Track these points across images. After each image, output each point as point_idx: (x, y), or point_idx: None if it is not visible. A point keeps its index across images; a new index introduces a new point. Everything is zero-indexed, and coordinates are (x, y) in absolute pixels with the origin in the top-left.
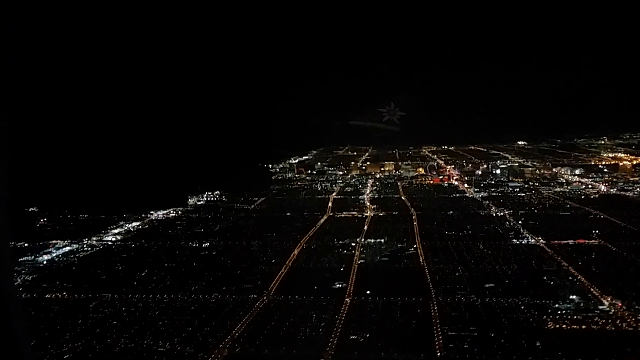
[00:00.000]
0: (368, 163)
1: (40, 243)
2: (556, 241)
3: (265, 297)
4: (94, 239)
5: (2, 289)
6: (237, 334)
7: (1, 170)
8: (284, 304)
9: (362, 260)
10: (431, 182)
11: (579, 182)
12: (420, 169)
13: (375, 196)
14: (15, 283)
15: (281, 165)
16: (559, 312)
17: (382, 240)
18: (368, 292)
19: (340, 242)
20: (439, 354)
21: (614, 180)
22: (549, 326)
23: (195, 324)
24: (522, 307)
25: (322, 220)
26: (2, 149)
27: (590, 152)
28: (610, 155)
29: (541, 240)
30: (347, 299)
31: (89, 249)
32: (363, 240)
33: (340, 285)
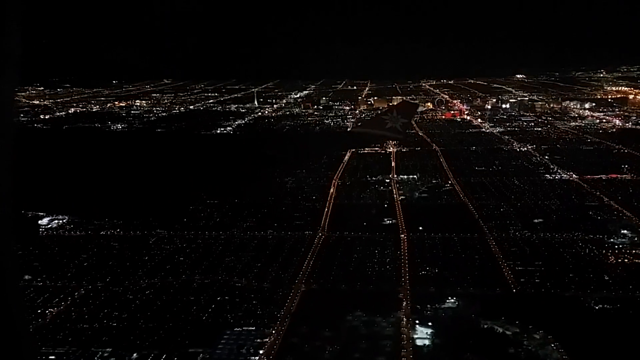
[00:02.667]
0: (375, 98)
1: None
2: (589, 176)
3: (320, 234)
4: None
5: (7, 291)
6: (308, 270)
7: (5, 172)
8: (342, 240)
9: (402, 197)
10: (443, 117)
11: (592, 116)
12: (429, 104)
13: None
14: (63, 221)
15: (285, 101)
16: (616, 246)
17: (416, 177)
18: (420, 228)
19: (373, 178)
20: (513, 289)
21: (626, 114)
22: (610, 260)
23: (262, 260)
24: (579, 242)
25: (346, 157)
26: (6, 151)
27: (592, 86)
28: (614, 88)
29: (574, 175)
30: (402, 235)
31: None
32: (395, 176)
33: (390, 222)
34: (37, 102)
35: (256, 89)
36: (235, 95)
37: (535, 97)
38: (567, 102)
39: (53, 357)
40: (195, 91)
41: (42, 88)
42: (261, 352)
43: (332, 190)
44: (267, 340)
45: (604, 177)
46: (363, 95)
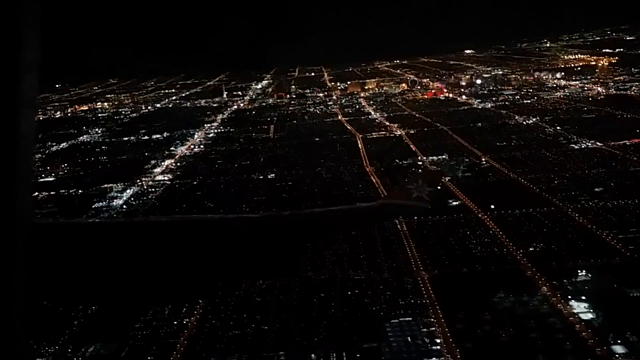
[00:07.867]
0: (349, 83)
1: (93, 188)
2: (612, 142)
3: (396, 221)
4: (145, 179)
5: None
6: (417, 257)
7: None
8: (424, 225)
9: (448, 177)
10: (425, 96)
11: (570, 85)
12: (404, 85)
13: (385, 115)
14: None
15: (251, 93)
16: None
17: (446, 157)
18: (492, 206)
19: (404, 162)
20: (629, 257)
21: (601, 80)
22: None
23: (361, 251)
24: None
25: (359, 143)
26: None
27: (547, 56)
28: (571, 57)
29: (597, 143)
30: (480, 215)
31: (154, 189)
32: (425, 158)
33: (457, 203)
34: None
35: (211, 82)
36: (194, 90)
37: (500, 71)
38: (538, 73)
39: None
40: (149, 89)
41: None
42: (437, 340)
43: (373, 178)
44: (434, 329)
45: (627, 142)
46: (327, 81)
